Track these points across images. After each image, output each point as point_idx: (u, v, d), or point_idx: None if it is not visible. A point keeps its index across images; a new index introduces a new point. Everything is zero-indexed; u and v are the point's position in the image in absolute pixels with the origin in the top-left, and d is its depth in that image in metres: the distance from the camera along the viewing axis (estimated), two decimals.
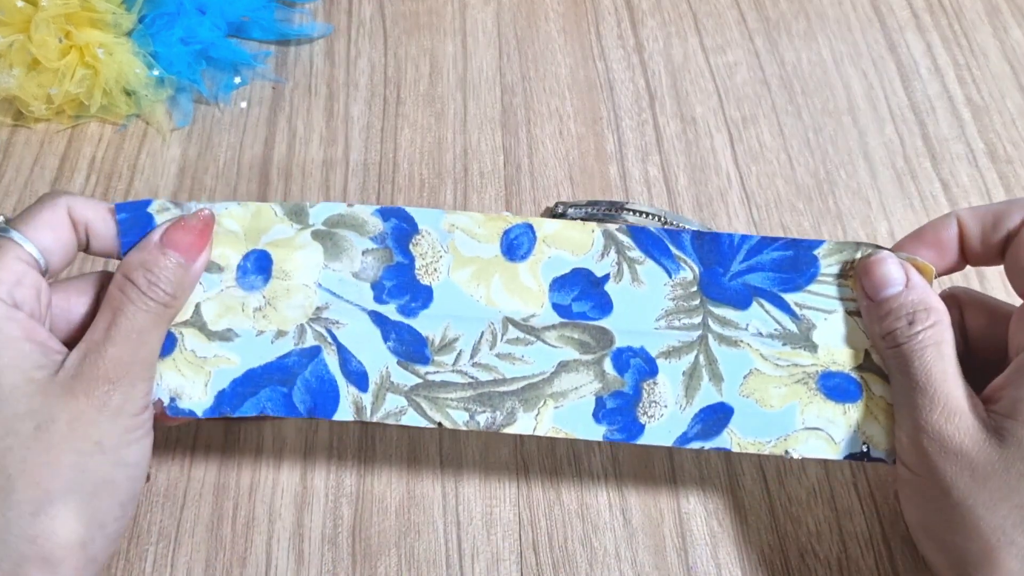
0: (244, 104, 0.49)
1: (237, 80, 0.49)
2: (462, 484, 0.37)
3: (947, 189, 0.47)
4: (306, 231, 0.34)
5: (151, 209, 0.32)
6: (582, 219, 0.43)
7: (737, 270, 0.34)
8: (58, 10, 0.44)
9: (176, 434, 0.38)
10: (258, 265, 0.33)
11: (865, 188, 0.46)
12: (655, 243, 0.34)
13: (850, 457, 0.32)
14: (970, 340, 0.33)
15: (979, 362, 0.32)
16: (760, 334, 0.33)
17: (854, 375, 0.33)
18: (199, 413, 0.32)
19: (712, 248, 0.34)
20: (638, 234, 0.34)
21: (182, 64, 0.47)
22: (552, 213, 0.44)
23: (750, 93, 0.50)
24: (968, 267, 0.44)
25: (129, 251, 0.31)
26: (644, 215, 0.42)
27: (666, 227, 0.42)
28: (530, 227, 0.34)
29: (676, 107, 0.50)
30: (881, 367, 0.33)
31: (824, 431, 0.32)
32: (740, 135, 0.48)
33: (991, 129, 0.49)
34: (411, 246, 0.34)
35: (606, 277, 0.34)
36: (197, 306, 0.33)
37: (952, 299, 0.33)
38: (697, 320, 0.33)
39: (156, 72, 0.46)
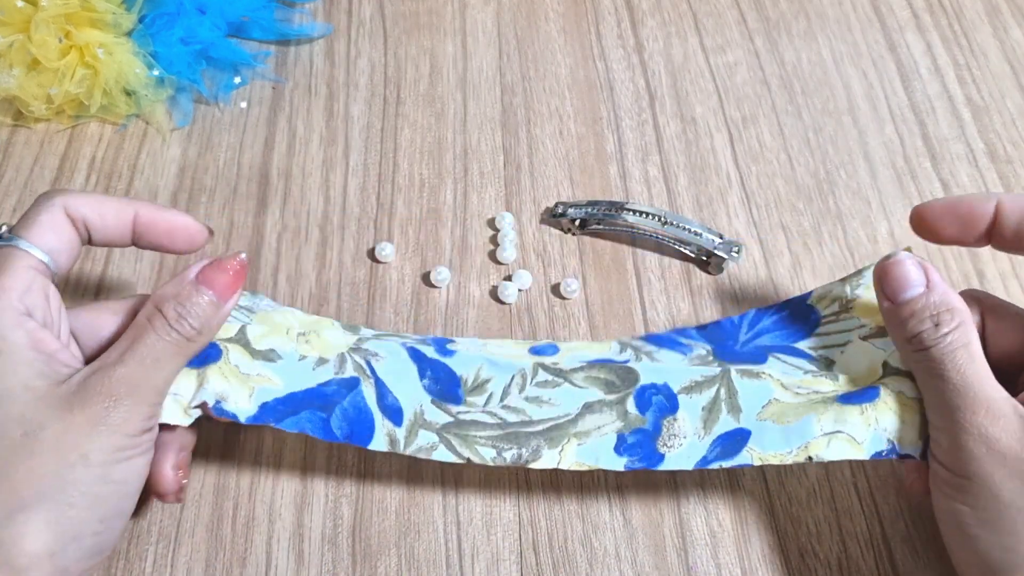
0: (244, 104, 0.49)
1: (237, 80, 0.49)
2: (462, 484, 0.37)
3: (947, 189, 0.47)
4: (354, 337, 0.36)
5: None
6: (582, 219, 0.43)
7: (745, 339, 0.35)
8: (58, 10, 0.44)
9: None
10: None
11: (865, 188, 0.46)
12: (665, 340, 0.37)
13: (877, 456, 0.32)
14: (988, 343, 0.32)
15: (993, 364, 0.31)
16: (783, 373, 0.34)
17: (876, 384, 0.33)
18: (242, 419, 0.32)
19: (716, 330, 0.36)
20: (649, 337, 0.37)
21: (182, 64, 0.47)
22: (552, 213, 0.44)
23: (750, 93, 0.50)
24: (967, 268, 0.44)
25: (163, 284, 0.32)
26: (644, 215, 0.42)
27: (665, 226, 0.42)
28: (554, 344, 0.37)
29: (676, 107, 0.50)
30: (899, 367, 0.33)
31: (844, 432, 0.32)
32: (740, 135, 0.48)
33: (991, 129, 0.49)
34: (447, 345, 0.36)
35: (626, 360, 0.35)
36: (242, 327, 0.34)
37: (973, 301, 0.33)
38: (718, 371, 0.34)
39: (156, 72, 0.46)
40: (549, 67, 0.51)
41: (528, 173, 0.47)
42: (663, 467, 0.33)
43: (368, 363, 0.34)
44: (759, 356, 0.35)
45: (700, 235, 0.42)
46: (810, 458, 0.32)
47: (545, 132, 0.48)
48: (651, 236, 0.43)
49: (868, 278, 0.35)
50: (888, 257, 0.33)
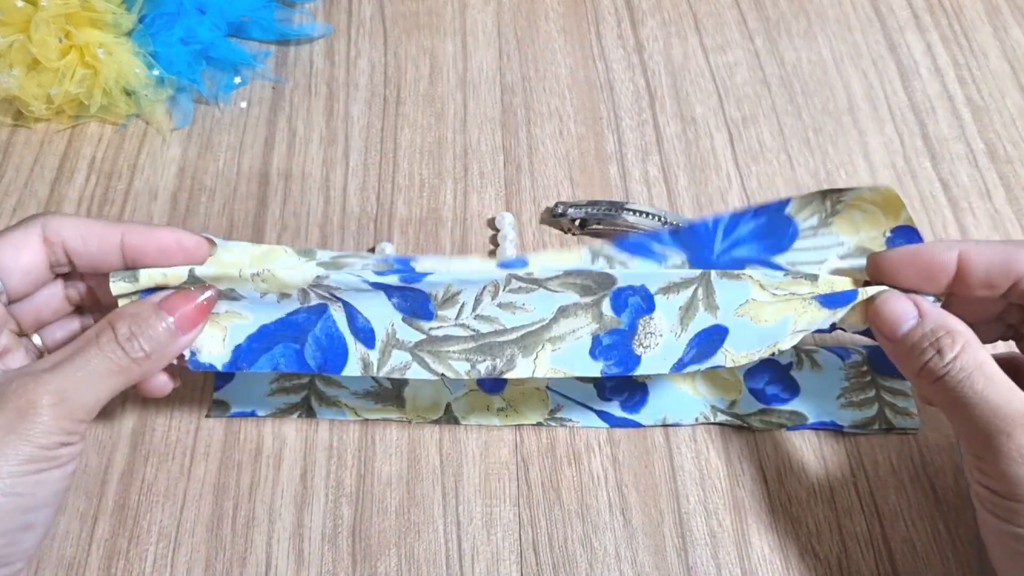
0: (244, 104, 0.49)
1: (237, 80, 0.49)
2: (462, 484, 0.37)
3: (947, 189, 0.47)
4: (311, 262, 0.34)
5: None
6: (582, 219, 0.43)
7: (721, 249, 0.34)
8: (58, 10, 0.44)
9: (176, 434, 0.38)
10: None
11: None
12: (637, 246, 0.35)
13: (821, 330, 0.33)
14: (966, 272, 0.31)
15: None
16: (763, 275, 0.33)
17: (854, 288, 0.33)
18: (219, 366, 0.32)
19: (690, 236, 0.34)
20: (619, 243, 0.35)
21: (182, 64, 0.47)
22: (552, 213, 0.44)
23: (750, 93, 0.50)
24: None
25: (125, 304, 0.31)
26: (644, 215, 0.42)
27: (665, 226, 0.42)
28: (523, 259, 0.34)
29: (676, 107, 0.50)
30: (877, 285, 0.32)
31: (809, 330, 0.33)
32: (740, 135, 0.48)
33: (991, 129, 0.49)
34: (412, 263, 0.34)
35: (601, 268, 0.34)
36: (191, 270, 0.32)
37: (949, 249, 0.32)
38: (698, 273, 0.33)
39: (156, 72, 0.46)
40: (549, 67, 0.51)
41: (528, 173, 0.47)
42: (639, 371, 0.33)
43: (332, 294, 0.33)
44: (736, 267, 0.34)
45: None
46: (775, 353, 0.33)
47: (545, 132, 0.48)
48: None
49: (850, 195, 0.34)
50: (873, 299, 0.32)
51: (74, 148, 0.47)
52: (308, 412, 0.38)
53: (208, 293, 0.32)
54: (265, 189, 0.45)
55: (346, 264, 0.34)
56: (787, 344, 0.33)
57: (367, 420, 0.38)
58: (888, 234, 0.34)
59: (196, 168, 0.46)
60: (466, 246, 0.44)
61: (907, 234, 0.34)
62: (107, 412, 0.38)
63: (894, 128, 0.49)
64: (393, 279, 0.33)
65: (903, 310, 0.31)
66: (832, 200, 0.34)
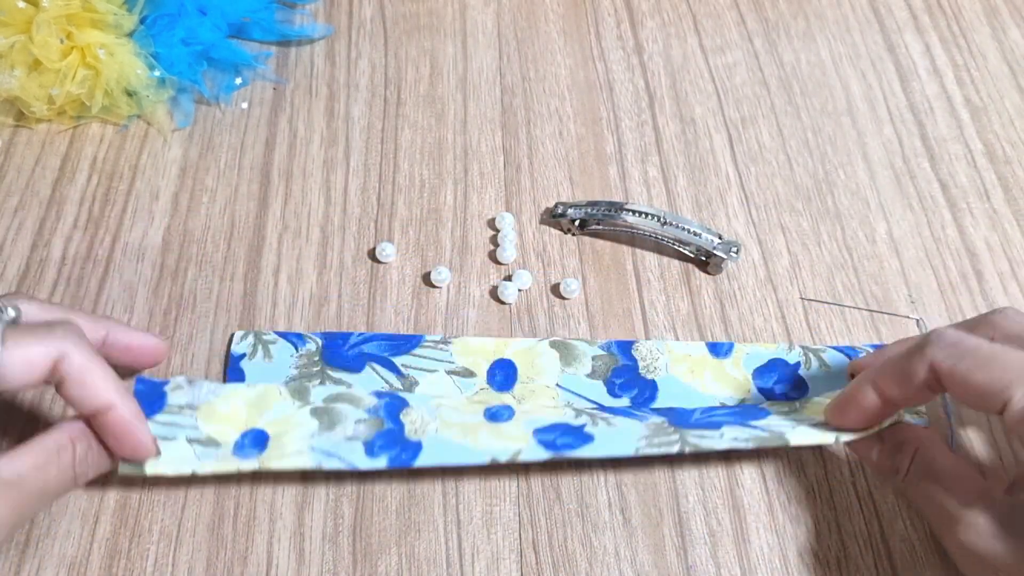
0: (245, 105, 0.49)
1: (238, 81, 0.49)
2: (462, 483, 0.37)
3: (946, 189, 0.47)
4: (306, 408, 0.35)
5: (167, 388, 0.35)
6: (582, 219, 0.43)
7: (699, 419, 0.37)
8: (59, 11, 0.44)
9: None
10: (255, 441, 0.35)
11: (864, 188, 0.47)
12: (620, 411, 0.37)
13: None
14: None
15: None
16: (736, 439, 0.35)
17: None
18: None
19: (670, 413, 0.37)
20: (605, 409, 0.37)
21: (183, 65, 0.47)
22: (552, 213, 0.44)
23: (749, 94, 0.50)
24: (966, 268, 0.44)
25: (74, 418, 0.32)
26: (643, 215, 0.42)
27: (665, 226, 0.42)
28: (509, 406, 0.37)
29: (675, 108, 0.50)
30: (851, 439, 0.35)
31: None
32: (739, 136, 0.49)
33: (989, 129, 0.49)
34: (401, 415, 0.36)
35: (583, 425, 0.36)
36: (192, 473, 0.34)
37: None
38: (675, 438, 0.35)
39: (157, 73, 0.46)
40: (549, 68, 0.51)
41: (528, 174, 0.47)
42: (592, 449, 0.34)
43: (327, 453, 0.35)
44: (715, 427, 0.36)
45: (699, 235, 0.42)
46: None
47: (545, 133, 0.48)
48: (650, 236, 0.43)
49: (816, 403, 0.37)
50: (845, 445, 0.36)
51: (75, 149, 0.47)
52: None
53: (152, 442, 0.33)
54: (266, 189, 0.46)
55: (340, 414, 0.35)
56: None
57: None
58: None
59: (197, 168, 0.46)
60: (466, 246, 0.44)
61: None
62: None
63: (893, 129, 0.49)
64: (382, 461, 0.34)
65: (864, 446, 0.35)
66: (800, 401, 0.38)
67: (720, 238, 0.43)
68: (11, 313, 0.31)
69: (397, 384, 0.38)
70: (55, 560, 0.34)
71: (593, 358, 0.39)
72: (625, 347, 0.39)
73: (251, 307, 0.41)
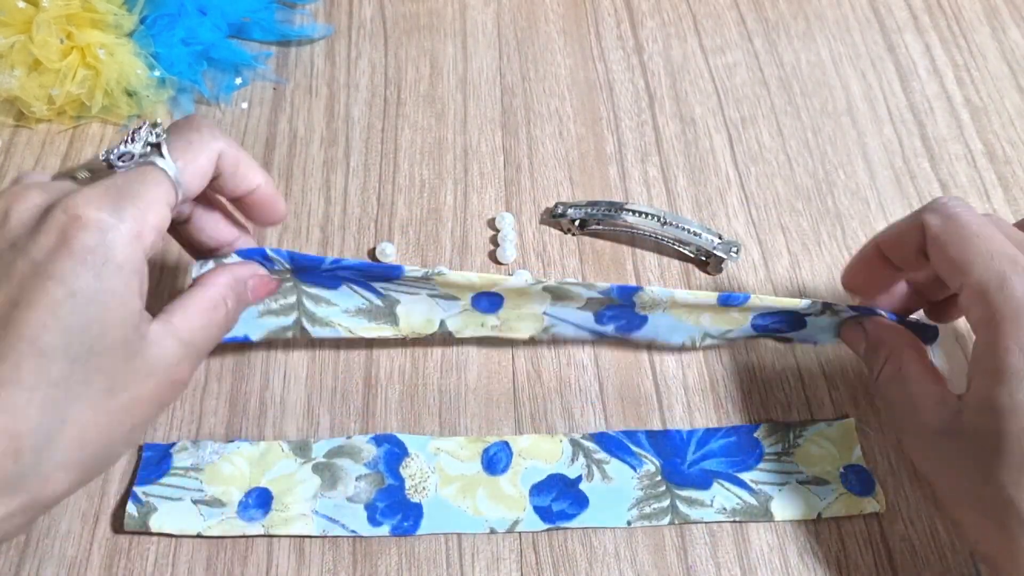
0: (245, 105, 0.49)
1: (238, 81, 0.49)
2: None
3: (946, 189, 0.47)
4: (307, 465, 0.36)
5: (173, 450, 0.36)
6: (582, 219, 0.43)
7: (693, 459, 0.37)
8: (59, 11, 0.44)
9: (178, 433, 0.38)
10: (259, 501, 0.36)
11: (864, 188, 0.47)
12: (617, 444, 0.37)
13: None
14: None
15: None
16: (724, 509, 0.36)
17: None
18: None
19: (666, 442, 0.37)
20: (600, 438, 0.38)
21: (183, 65, 0.47)
22: (552, 213, 0.44)
23: (749, 94, 0.50)
24: None
25: (238, 264, 0.34)
26: (643, 215, 0.42)
27: (665, 226, 0.42)
28: (506, 444, 0.37)
29: (675, 108, 0.50)
30: (834, 516, 0.36)
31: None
32: (739, 136, 0.49)
33: (989, 130, 0.49)
34: (401, 469, 0.36)
35: (579, 478, 0.37)
36: (198, 534, 0.35)
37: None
38: (666, 504, 0.36)
39: (157, 73, 0.46)
40: (549, 68, 0.51)
41: (528, 174, 0.47)
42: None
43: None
44: (704, 479, 0.37)
45: (699, 235, 0.42)
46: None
47: (545, 133, 0.48)
48: (650, 236, 0.43)
49: (811, 431, 0.38)
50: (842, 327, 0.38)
51: (76, 149, 0.47)
52: (302, 332, 0.38)
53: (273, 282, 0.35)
54: None
55: (341, 470, 0.36)
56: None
57: (368, 427, 0.38)
58: (841, 469, 0.37)
59: None
60: (466, 246, 0.44)
61: (857, 471, 0.37)
62: None
63: (893, 129, 0.49)
64: (385, 530, 0.35)
65: (854, 337, 0.37)
66: (795, 432, 0.38)
67: (720, 238, 0.43)
68: (161, 133, 0.30)
69: (377, 302, 0.38)
70: (55, 560, 0.34)
71: (357, 478, 0.36)
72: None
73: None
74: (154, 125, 0.30)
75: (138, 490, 0.35)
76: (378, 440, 0.37)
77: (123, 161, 0.29)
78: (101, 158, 0.30)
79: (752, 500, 0.36)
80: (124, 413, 0.28)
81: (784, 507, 0.36)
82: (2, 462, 0.26)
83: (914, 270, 0.35)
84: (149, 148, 0.29)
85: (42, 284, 0.26)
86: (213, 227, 0.34)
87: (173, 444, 0.37)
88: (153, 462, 0.36)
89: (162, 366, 0.29)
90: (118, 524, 0.35)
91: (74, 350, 0.26)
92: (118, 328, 0.27)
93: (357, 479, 0.36)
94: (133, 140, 0.29)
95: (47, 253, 0.26)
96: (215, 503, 0.35)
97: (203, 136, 0.30)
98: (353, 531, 0.35)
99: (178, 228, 0.34)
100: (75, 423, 0.27)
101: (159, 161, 0.29)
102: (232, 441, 0.37)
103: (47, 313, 0.26)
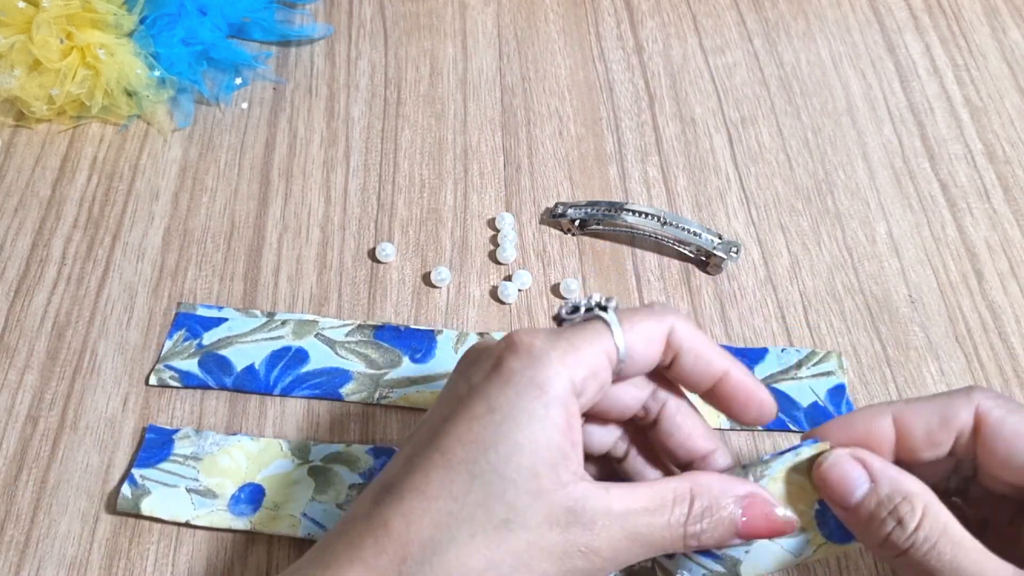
0: (245, 105, 0.49)
1: (238, 81, 0.49)
2: None
3: (946, 189, 0.47)
4: (304, 467, 0.36)
5: (176, 436, 0.37)
6: (581, 219, 0.43)
7: None
8: (59, 11, 0.44)
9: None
10: (251, 497, 0.36)
11: (864, 188, 0.47)
12: None
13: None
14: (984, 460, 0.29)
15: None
16: None
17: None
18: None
19: None
20: None
21: (183, 65, 0.47)
22: (552, 213, 0.44)
23: (749, 94, 0.50)
24: (966, 268, 0.44)
25: (708, 475, 0.29)
26: (643, 215, 0.42)
27: (664, 226, 0.42)
28: None
29: (675, 108, 0.50)
30: None
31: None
32: (739, 136, 0.49)
33: (989, 129, 0.49)
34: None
35: None
36: (187, 522, 0.35)
37: (965, 404, 0.29)
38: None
39: (157, 73, 0.46)
40: (549, 68, 0.51)
41: (528, 174, 0.47)
42: None
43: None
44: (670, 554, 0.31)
45: (699, 235, 0.42)
46: None
47: (545, 133, 0.48)
48: (650, 236, 0.43)
49: (774, 469, 0.30)
50: (820, 462, 0.29)
51: (75, 149, 0.47)
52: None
53: (792, 519, 0.29)
54: (266, 189, 0.46)
55: (336, 476, 0.36)
56: None
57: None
58: (817, 506, 0.30)
59: (197, 168, 0.46)
60: (466, 246, 0.44)
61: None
62: (110, 412, 0.38)
63: (892, 129, 0.49)
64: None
65: (853, 476, 0.28)
66: (755, 475, 0.30)
67: (720, 238, 0.43)
68: (615, 302, 0.30)
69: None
70: (55, 560, 0.34)
71: (351, 487, 0.36)
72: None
73: (251, 307, 0.41)
74: (608, 299, 0.29)
75: (136, 472, 0.36)
76: (376, 452, 0.37)
77: (570, 315, 0.30)
78: (553, 314, 0.30)
79: (719, 567, 0.30)
80: (514, 557, 0.25)
81: (755, 566, 0.30)
82: (389, 567, 0.25)
83: (930, 459, 0.29)
84: (596, 307, 0.29)
85: (470, 401, 0.27)
86: (681, 434, 0.30)
87: (176, 430, 0.37)
88: (155, 445, 0.36)
89: (573, 521, 0.26)
90: (112, 506, 0.35)
91: (479, 466, 0.26)
92: (529, 455, 0.26)
93: (350, 487, 0.36)
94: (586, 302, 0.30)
95: (483, 376, 0.27)
96: (208, 494, 0.35)
97: (654, 309, 0.29)
98: None
99: (647, 433, 0.31)
100: (463, 548, 0.25)
101: (602, 314, 0.28)
102: (234, 435, 0.37)
103: (464, 427, 0.26)
